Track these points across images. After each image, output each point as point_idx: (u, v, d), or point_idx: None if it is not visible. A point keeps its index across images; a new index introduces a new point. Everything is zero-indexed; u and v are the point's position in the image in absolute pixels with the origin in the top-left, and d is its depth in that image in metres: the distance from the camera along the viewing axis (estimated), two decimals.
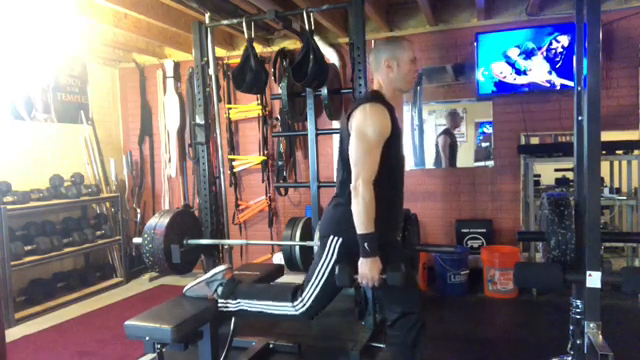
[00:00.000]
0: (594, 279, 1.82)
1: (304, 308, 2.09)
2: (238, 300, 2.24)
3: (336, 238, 1.99)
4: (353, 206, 1.86)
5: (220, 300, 2.27)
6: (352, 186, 1.87)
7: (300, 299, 2.09)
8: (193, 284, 2.38)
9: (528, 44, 4.05)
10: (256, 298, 2.21)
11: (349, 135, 1.94)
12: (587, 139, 1.86)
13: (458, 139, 4.47)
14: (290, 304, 2.11)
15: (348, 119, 1.97)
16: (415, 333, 2.02)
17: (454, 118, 4.47)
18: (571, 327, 2.15)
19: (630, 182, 3.86)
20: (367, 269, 1.86)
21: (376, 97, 1.99)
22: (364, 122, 1.88)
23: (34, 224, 4.22)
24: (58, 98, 4.69)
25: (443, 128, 4.50)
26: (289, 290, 2.16)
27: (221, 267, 2.35)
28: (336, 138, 4.60)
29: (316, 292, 2.05)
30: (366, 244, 1.84)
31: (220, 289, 2.28)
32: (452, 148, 4.51)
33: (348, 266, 1.92)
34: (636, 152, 3.77)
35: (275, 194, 4.94)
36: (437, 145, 4.52)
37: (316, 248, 2.14)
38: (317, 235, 2.12)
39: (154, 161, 5.41)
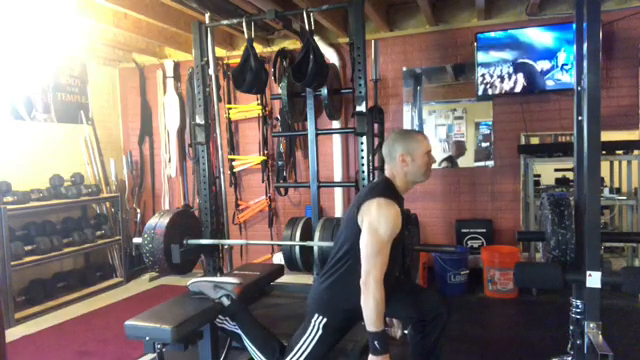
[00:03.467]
0: (594, 279, 1.82)
1: None
2: (236, 324, 2.30)
3: (321, 317, 2.04)
4: (363, 303, 1.87)
5: (220, 316, 2.32)
6: (362, 282, 1.87)
7: None
8: (200, 280, 2.39)
9: (527, 44, 4.05)
10: (250, 337, 2.25)
11: (355, 223, 1.95)
12: (587, 139, 1.86)
13: (458, 139, 4.47)
14: None
15: (358, 207, 1.96)
16: (434, 335, 2.14)
17: (459, 146, 4.46)
18: (571, 327, 2.15)
19: (630, 182, 3.86)
20: None
21: (389, 190, 2.00)
22: (377, 219, 1.88)
23: (34, 224, 4.22)
24: (58, 98, 4.69)
25: (446, 155, 4.50)
26: (277, 349, 2.17)
27: (235, 280, 2.36)
28: (336, 138, 4.60)
29: None
30: (376, 342, 1.86)
31: (225, 300, 2.30)
32: None
33: None
34: (636, 152, 3.78)
35: (275, 194, 4.94)
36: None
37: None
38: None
39: (154, 161, 5.41)
